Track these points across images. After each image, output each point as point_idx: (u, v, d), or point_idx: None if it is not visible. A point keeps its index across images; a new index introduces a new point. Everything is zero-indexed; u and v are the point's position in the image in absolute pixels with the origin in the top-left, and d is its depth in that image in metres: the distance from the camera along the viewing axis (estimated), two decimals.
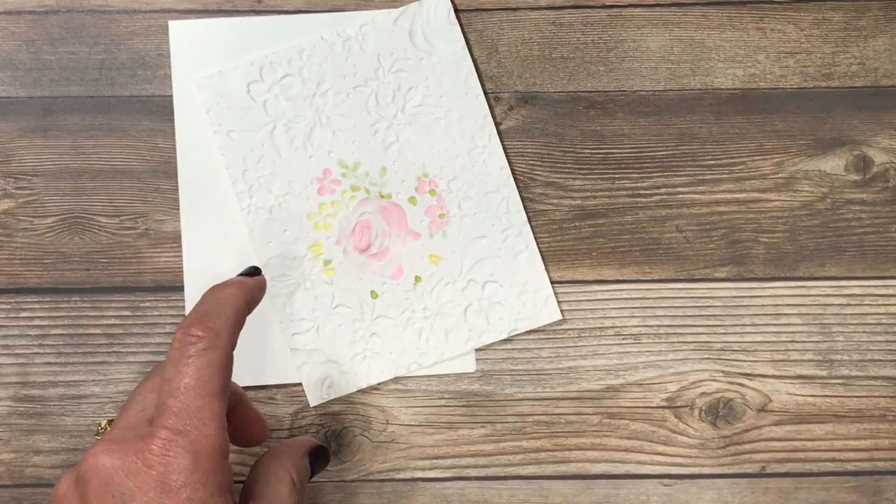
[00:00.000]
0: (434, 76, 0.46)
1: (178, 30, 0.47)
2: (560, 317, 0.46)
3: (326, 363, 0.45)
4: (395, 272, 0.46)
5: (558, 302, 0.46)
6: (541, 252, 0.46)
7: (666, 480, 0.45)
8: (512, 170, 0.46)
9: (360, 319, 0.46)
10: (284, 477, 0.37)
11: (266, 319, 0.46)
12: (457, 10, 0.47)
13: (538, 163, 0.46)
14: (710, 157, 0.47)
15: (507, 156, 0.46)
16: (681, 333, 0.46)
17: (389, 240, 0.46)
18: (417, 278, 0.46)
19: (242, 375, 0.45)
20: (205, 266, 0.46)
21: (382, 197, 0.46)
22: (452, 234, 0.46)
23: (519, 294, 0.46)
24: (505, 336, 0.46)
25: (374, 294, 0.46)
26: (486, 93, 0.47)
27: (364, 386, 0.45)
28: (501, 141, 0.46)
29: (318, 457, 0.41)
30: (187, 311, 0.46)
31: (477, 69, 0.47)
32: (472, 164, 0.46)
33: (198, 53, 0.46)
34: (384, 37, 0.46)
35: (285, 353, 0.46)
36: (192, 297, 0.46)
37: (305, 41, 0.46)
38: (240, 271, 0.42)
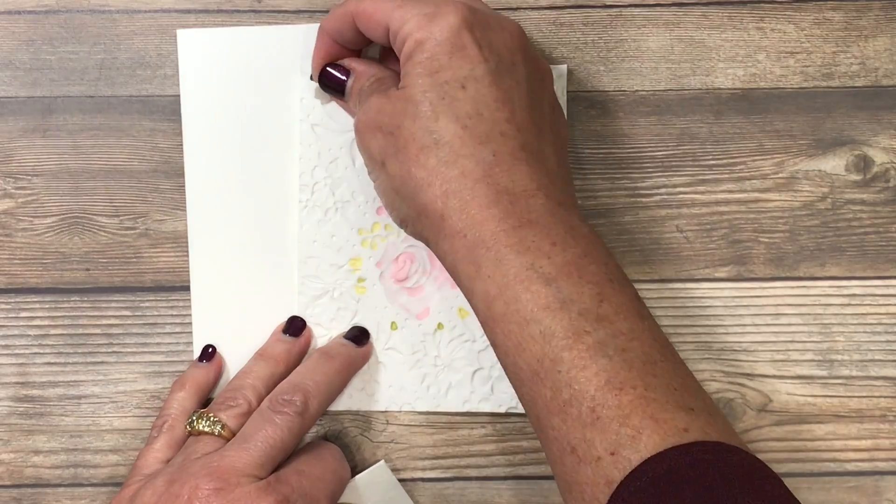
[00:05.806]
0: None
1: (187, 38, 0.46)
2: None
3: None
4: (421, 312, 0.45)
5: None
6: None
7: None
8: None
9: (373, 344, 0.45)
10: None
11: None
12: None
13: None
14: (710, 157, 0.47)
15: None
16: (681, 333, 0.46)
17: (427, 279, 0.45)
18: (440, 325, 0.45)
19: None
20: (211, 265, 0.46)
21: None
22: None
23: None
24: (503, 411, 0.45)
25: (394, 325, 0.45)
26: None
27: (354, 409, 0.45)
28: None
29: None
30: (193, 310, 0.46)
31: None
32: None
33: (206, 62, 0.46)
34: None
35: None
36: (199, 296, 0.46)
37: None
38: (347, 332, 0.45)
